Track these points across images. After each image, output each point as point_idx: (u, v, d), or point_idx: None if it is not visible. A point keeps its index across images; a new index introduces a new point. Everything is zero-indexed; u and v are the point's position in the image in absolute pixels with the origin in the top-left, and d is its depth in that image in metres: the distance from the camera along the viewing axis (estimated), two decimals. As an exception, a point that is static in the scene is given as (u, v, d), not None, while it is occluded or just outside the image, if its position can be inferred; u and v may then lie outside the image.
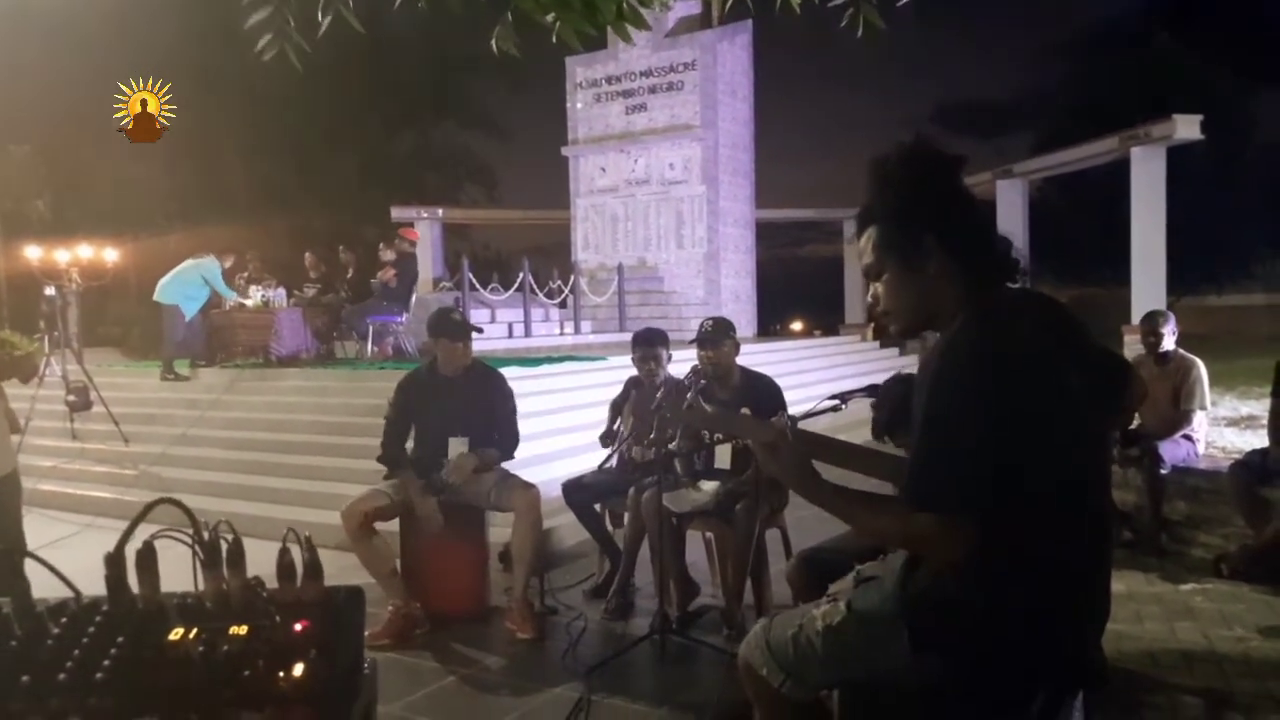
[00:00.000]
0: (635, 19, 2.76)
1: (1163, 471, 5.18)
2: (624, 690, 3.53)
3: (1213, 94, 20.68)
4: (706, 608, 4.39)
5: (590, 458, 5.46)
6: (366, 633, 4.13)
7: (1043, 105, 30.31)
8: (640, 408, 4.63)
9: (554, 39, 2.78)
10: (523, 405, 5.18)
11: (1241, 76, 23.85)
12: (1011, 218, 16.34)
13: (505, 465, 4.56)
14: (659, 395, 4.28)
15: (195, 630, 1.04)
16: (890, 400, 3.00)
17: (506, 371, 5.07)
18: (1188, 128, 13.09)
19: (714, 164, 14.89)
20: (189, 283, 9.82)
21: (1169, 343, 5.44)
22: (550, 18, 2.72)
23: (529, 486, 4.41)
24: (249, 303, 10.38)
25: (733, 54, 15.39)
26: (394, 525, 4.45)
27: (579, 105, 15.92)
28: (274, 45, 2.82)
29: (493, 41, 2.92)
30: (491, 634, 4.26)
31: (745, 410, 4.25)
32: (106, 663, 0.99)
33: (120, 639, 1.03)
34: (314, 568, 1.17)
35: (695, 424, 4.12)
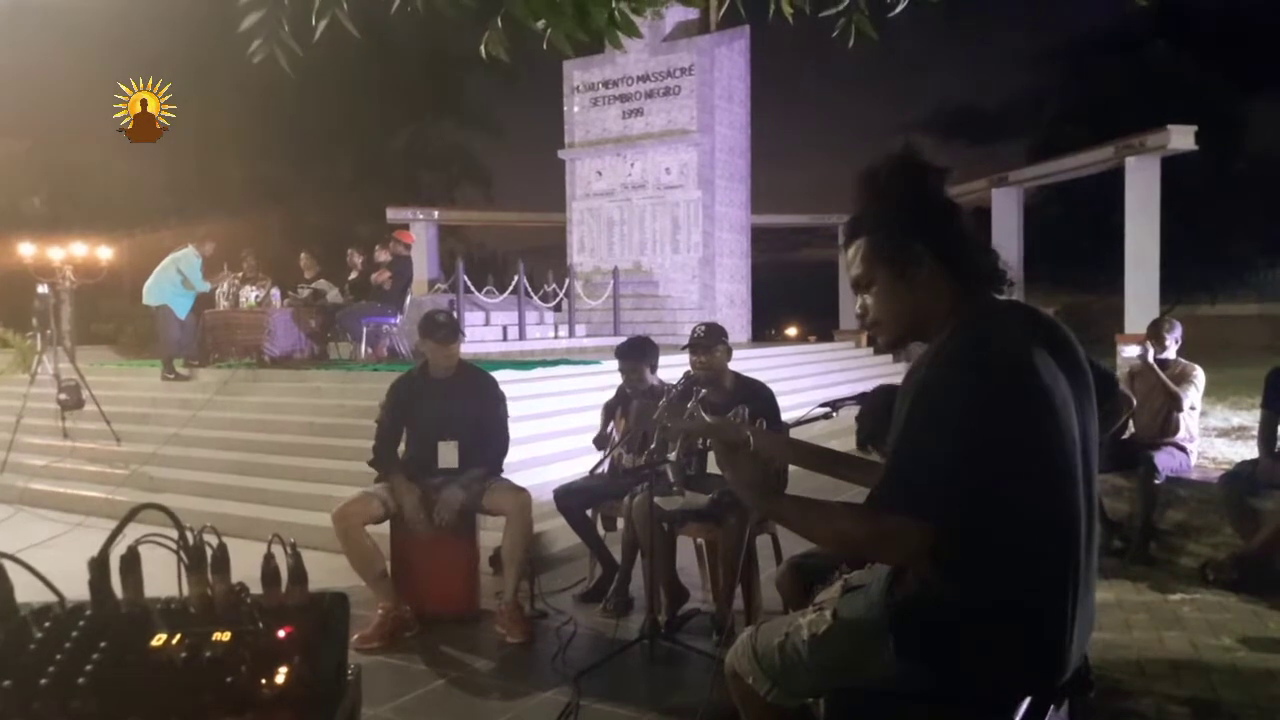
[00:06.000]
0: (627, 26, 2.76)
1: (1157, 482, 5.21)
2: (613, 695, 3.53)
3: (1207, 102, 20.79)
4: (696, 613, 4.40)
5: (583, 461, 5.47)
6: (356, 635, 4.14)
7: (1038, 112, 30.38)
8: (642, 416, 4.61)
9: (544, 45, 2.78)
10: (516, 409, 5.18)
11: (1236, 85, 23.99)
12: (1007, 225, 16.38)
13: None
14: (661, 404, 4.25)
15: (178, 635, 1.05)
16: (873, 411, 3.01)
17: (500, 374, 5.07)
18: (1182, 138, 13.12)
19: (710, 169, 14.91)
20: (170, 280, 9.72)
21: (1171, 351, 5.50)
22: (541, 24, 2.72)
23: (519, 490, 4.41)
24: (243, 302, 10.36)
25: (730, 59, 15.41)
26: (385, 528, 4.45)
27: (576, 108, 15.94)
28: (265, 49, 2.82)
29: (482, 47, 2.92)
30: (481, 637, 4.26)
31: (742, 408, 4.25)
32: (89, 667, 0.99)
33: (103, 644, 1.03)
34: (298, 573, 1.17)
35: (696, 434, 4.12)
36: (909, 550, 1.60)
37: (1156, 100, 19.87)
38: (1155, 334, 5.58)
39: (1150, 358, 5.51)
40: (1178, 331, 5.57)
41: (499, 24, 2.85)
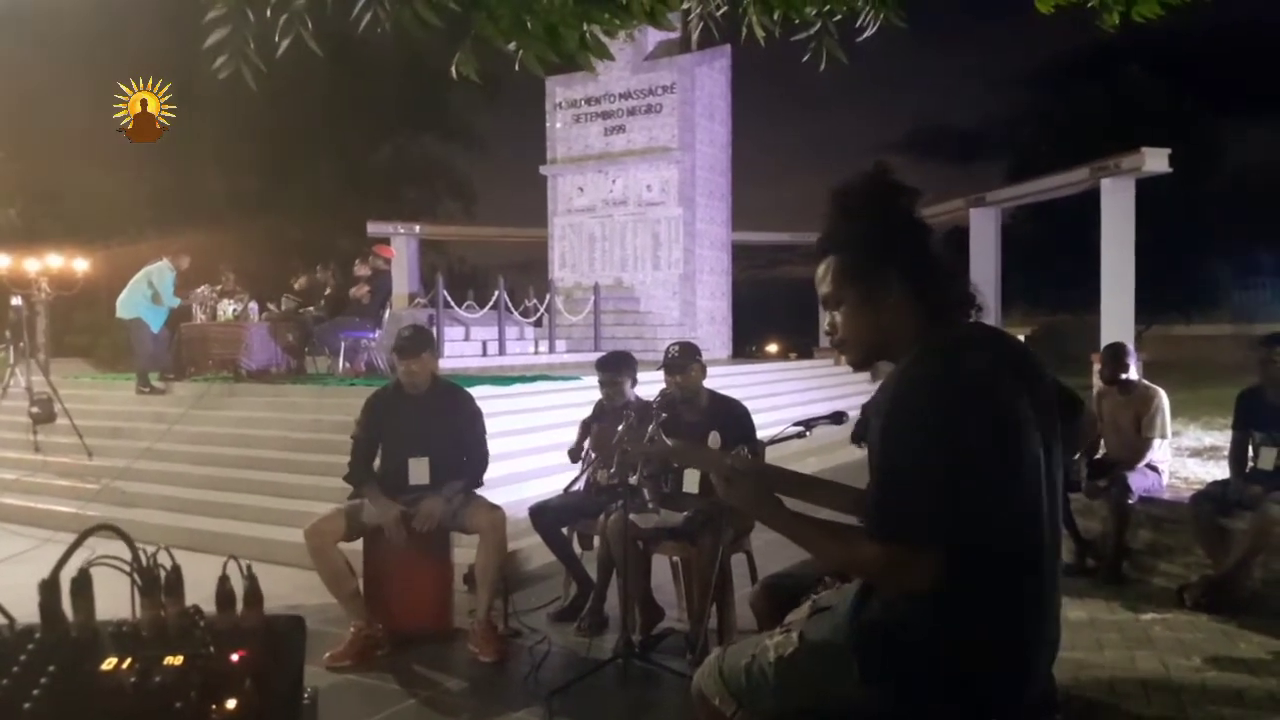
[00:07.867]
0: (598, 48, 2.77)
1: (1130, 501, 5.24)
2: (585, 714, 3.52)
3: (1182, 125, 21.12)
4: (671, 632, 4.38)
5: (561, 478, 5.44)
6: (327, 654, 4.10)
7: (1016, 133, 30.76)
8: (604, 437, 4.61)
9: (516, 66, 2.80)
10: (494, 425, 5.15)
11: (1210, 109, 24.42)
12: (984, 245, 16.54)
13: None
14: (620, 428, 4.22)
15: (129, 660, 1.03)
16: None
17: (478, 390, 5.05)
18: (1156, 160, 13.30)
19: (691, 186, 14.98)
20: (143, 293, 9.57)
21: (1131, 373, 5.54)
22: (512, 46, 2.74)
23: (494, 508, 4.39)
24: (220, 316, 10.28)
25: (711, 78, 15.51)
26: (358, 545, 4.41)
27: (558, 125, 15.99)
28: (230, 65, 2.82)
29: (453, 67, 2.93)
30: (454, 656, 4.22)
31: (714, 434, 4.26)
32: (36, 692, 0.98)
33: (51, 668, 1.01)
34: (254, 595, 1.16)
35: (656, 459, 4.10)
36: (918, 578, 1.58)
37: (1132, 123, 20.16)
38: (1113, 357, 5.59)
39: (1092, 408, 5.55)
40: (1132, 356, 5.61)
41: (469, 44, 2.86)
